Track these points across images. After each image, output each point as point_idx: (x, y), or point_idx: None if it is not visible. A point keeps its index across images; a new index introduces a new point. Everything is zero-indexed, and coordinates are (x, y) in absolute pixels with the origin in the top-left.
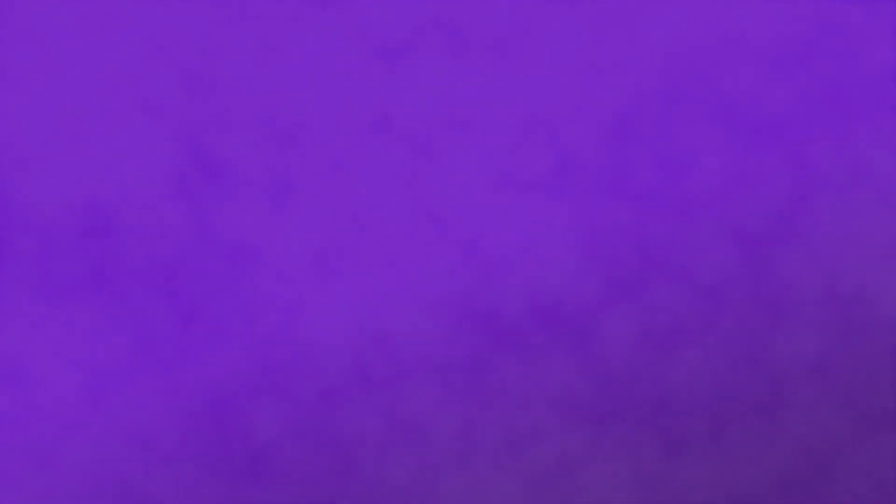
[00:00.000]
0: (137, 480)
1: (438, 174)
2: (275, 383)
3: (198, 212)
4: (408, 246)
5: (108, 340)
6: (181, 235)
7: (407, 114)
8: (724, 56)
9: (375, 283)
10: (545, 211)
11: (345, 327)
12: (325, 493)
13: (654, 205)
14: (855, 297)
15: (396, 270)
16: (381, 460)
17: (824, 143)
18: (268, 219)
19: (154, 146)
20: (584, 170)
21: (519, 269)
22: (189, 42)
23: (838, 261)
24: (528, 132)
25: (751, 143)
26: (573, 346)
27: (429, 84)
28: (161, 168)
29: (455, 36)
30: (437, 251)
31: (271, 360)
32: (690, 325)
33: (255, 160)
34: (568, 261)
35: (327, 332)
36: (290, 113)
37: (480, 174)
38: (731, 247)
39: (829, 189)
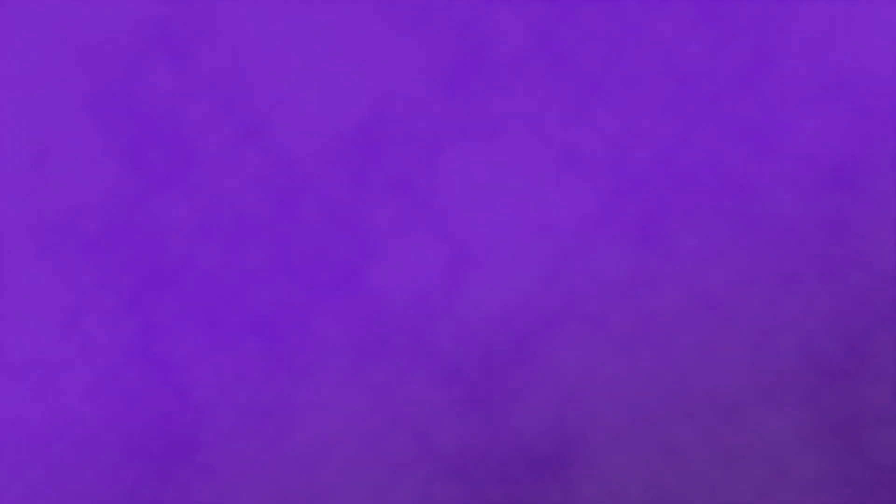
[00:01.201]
0: (139, 480)
1: (437, 172)
2: (276, 384)
3: (196, 210)
4: (406, 245)
5: (112, 339)
6: (181, 234)
7: (406, 113)
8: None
9: (374, 284)
10: (546, 210)
11: (345, 328)
12: (326, 495)
13: (658, 201)
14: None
15: (395, 270)
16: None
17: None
18: (268, 219)
19: (150, 146)
20: (586, 167)
21: (519, 267)
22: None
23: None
24: (525, 133)
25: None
26: (579, 347)
27: (426, 85)
28: (159, 167)
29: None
30: (435, 249)
31: (271, 360)
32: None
33: (256, 161)
34: (571, 259)
35: (328, 333)
36: (291, 114)
37: (479, 173)
38: (736, 247)
39: (827, 191)
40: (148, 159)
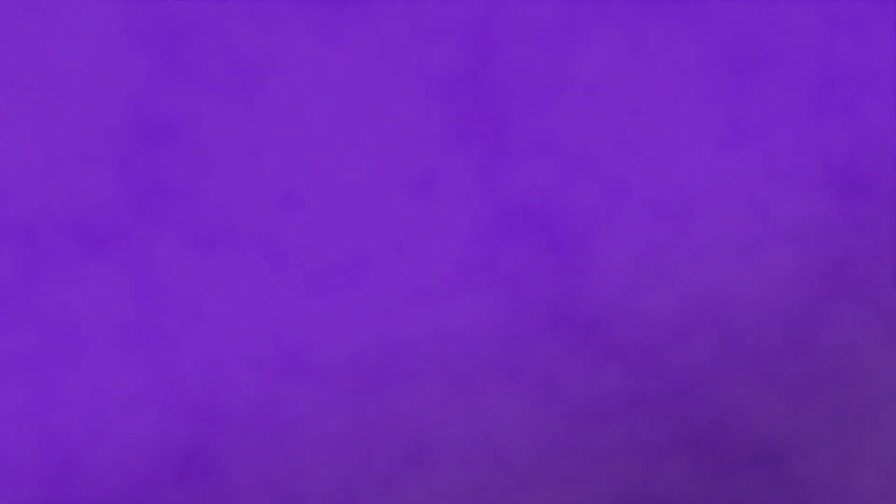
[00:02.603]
0: (138, 481)
1: (440, 171)
2: (276, 388)
3: (197, 210)
4: (405, 246)
5: (112, 339)
6: (180, 234)
7: (406, 114)
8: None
9: (373, 285)
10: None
11: (345, 330)
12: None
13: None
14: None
15: (394, 272)
16: (384, 466)
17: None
18: (272, 223)
19: (152, 147)
20: (585, 168)
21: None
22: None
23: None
24: (525, 134)
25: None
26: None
27: (423, 82)
28: (161, 169)
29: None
30: (434, 251)
31: (270, 364)
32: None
33: (258, 165)
34: (570, 260)
35: (328, 336)
36: (289, 115)
37: (480, 173)
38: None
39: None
40: (150, 160)
